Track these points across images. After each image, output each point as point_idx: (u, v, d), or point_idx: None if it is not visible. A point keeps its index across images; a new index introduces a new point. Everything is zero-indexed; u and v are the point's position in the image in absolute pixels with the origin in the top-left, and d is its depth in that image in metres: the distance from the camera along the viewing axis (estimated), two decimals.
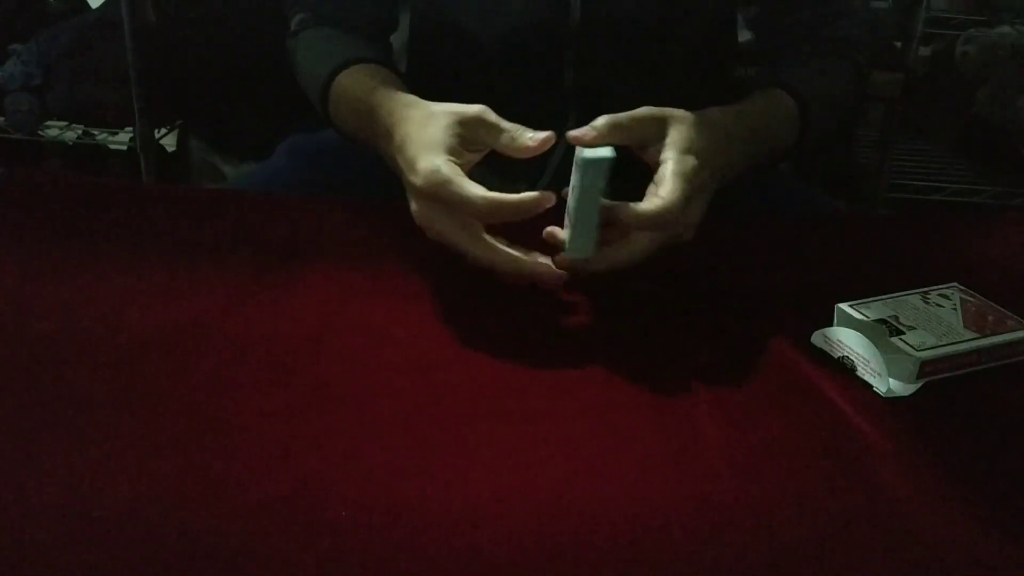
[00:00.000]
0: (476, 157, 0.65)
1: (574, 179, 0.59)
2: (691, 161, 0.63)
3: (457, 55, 0.92)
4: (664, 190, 0.61)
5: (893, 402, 0.56)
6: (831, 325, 0.62)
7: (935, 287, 0.66)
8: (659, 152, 0.63)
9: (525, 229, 0.62)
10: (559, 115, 0.90)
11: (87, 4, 2.18)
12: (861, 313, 0.61)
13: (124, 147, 2.08)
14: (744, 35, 1.00)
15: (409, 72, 0.98)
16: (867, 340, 0.59)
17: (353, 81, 0.80)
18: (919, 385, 0.57)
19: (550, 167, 0.89)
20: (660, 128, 0.64)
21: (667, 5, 0.86)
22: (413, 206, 0.64)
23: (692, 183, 0.62)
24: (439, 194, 0.61)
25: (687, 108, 0.66)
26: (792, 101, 0.80)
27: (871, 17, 0.95)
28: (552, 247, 0.64)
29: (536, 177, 0.90)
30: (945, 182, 1.96)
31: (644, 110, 0.65)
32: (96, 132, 2.07)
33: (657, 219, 0.60)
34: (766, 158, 0.79)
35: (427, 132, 0.64)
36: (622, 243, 0.64)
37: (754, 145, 0.74)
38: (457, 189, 0.60)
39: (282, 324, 0.62)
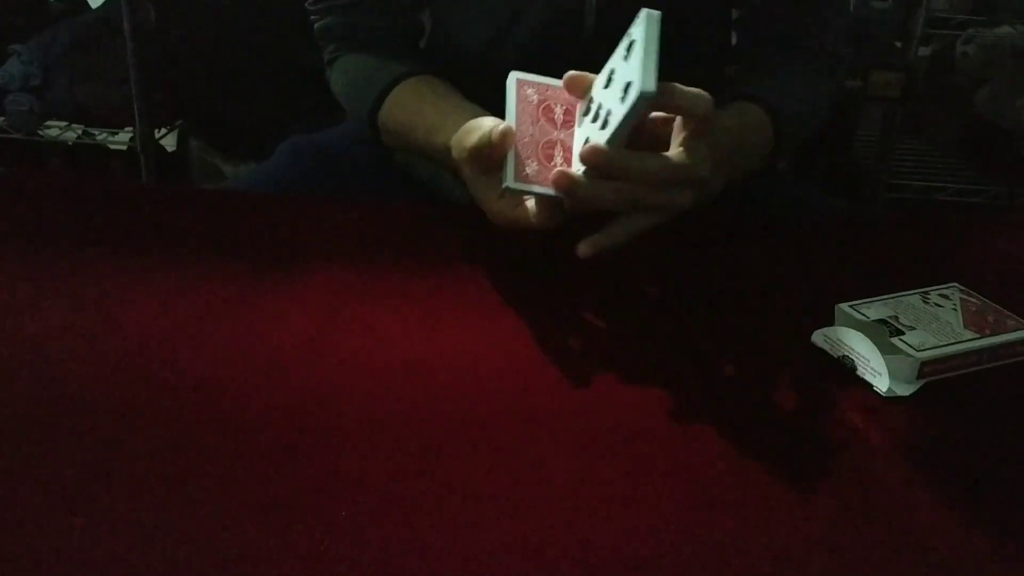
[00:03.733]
0: None
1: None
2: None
3: (468, 74, 0.92)
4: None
5: (893, 402, 0.57)
6: (831, 325, 0.62)
7: (935, 287, 0.66)
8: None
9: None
10: None
11: (87, 4, 2.18)
12: (861, 313, 0.61)
13: (124, 147, 2.08)
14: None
15: None
16: (867, 340, 0.59)
17: (397, 107, 0.81)
18: (919, 385, 0.57)
19: None
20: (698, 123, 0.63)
21: (672, 12, 0.86)
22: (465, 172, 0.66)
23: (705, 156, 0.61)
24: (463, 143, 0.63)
25: None
26: (766, 117, 0.79)
27: (851, 30, 0.95)
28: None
29: None
30: (945, 182, 1.96)
31: (703, 95, 0.63)
32: (96, 132, 2.07)
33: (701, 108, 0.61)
34: (740, 175, 0.77)
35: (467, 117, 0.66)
36: (617, 220, 0.62)
37: (732, 161, 0.73)
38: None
39: (282, 324, 0.62)
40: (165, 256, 0.70)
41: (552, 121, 0.63)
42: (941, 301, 0.64)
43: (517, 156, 0.60)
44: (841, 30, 0.90)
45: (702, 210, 0.67)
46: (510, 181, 0.60)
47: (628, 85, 0.57)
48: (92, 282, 0.66)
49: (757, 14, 0.91)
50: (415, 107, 0.80)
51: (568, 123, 0.63)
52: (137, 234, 0.74)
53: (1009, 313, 0.63)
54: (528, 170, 0.60)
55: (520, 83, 0.63)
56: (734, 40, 0.98)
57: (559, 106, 0.63)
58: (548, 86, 0.64)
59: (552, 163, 0.61)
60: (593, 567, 0.43)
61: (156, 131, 2.04)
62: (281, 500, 0.46)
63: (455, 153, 0.66)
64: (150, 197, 0.84)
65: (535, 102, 0.63)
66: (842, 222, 0.91)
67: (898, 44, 1.91)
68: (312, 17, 0.92)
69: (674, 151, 0.61)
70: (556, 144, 0.62)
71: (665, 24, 0.87)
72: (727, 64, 1.02)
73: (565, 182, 0.59)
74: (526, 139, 0.61)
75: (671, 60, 0.90)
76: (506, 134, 0.60)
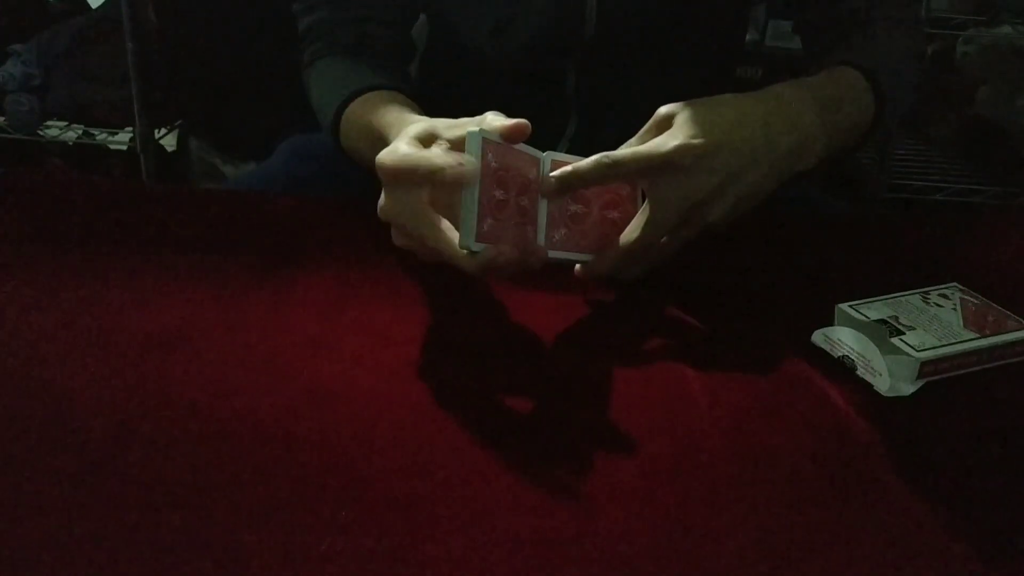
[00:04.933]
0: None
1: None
2: (676, 132, 0.61)
3: (467, 70, 0.92)
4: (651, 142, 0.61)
5: (893, 402, 0.56)
6: (831, 325, 0.62)
7: (935, 287, 0.66)
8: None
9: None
10: (560, 119, 0.90)
11: (87, 4, 2.18)
12: (861, 313, 0.61)
13: (124, 147, 2.08)
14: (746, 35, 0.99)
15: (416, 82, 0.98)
16: (867, 340, 0.59)
17: (365, 108, 0.77)
18: (919, 385, 0.57)
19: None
20: (670, 124, 0.63)
21: (682, 13, 0.86)
22: (380, 200, 0.60)
23: (662, 146, 0.60)
24: (397, 166, 0.57)
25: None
26: (858, 74, 0.74)
27: None
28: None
29: None
30: (945, 182, 1.96)
31: (654, 116, 0.64)
32: (96, 132, 2.07)
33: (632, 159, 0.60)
34: (847, 135, 0.73)
35: (407, 128, 0.62)
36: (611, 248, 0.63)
37: (827, 116, 0.68)
38: (410, 155, 0.56)
39: (282, 324, 0.62)
40: (165, 256, 0.70)
41: (504, 185, 0.57)
42: (941, 301, 0.64)
43: (475, 214, 0.54)
44: None
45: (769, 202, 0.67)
46: (470, 242, 0.54)
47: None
48: (92, 282, 0.66)
49: (816, 5, 0.87)
50: (367, 119, 0.74)
51: (521, 189, 0.59)
52: (137, 234, 0.74)
53: (1009, 313, 0.63)
54: (486, 227, 0.55)
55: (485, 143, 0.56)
56: (800, 44, 0.95)
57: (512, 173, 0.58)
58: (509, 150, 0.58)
59: (505, 216, 0.57)
60: (591, 565, 0.43)
61: (156, 131, 2.04)
62: (281, 500, 0.46)
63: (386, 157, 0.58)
64: (150, 197, 0.84)
65: (493, 166, 0.56)
66: (842, 222, 0.91)
67: None
68: (298, 18, 0.89)
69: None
70: (508, 203, 0.58)
71: (678, 25, 0.87)
72: (739, 65, 1.01)
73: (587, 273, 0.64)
74: (485, 195, 0.56)
75: (683, 61, 0.90)
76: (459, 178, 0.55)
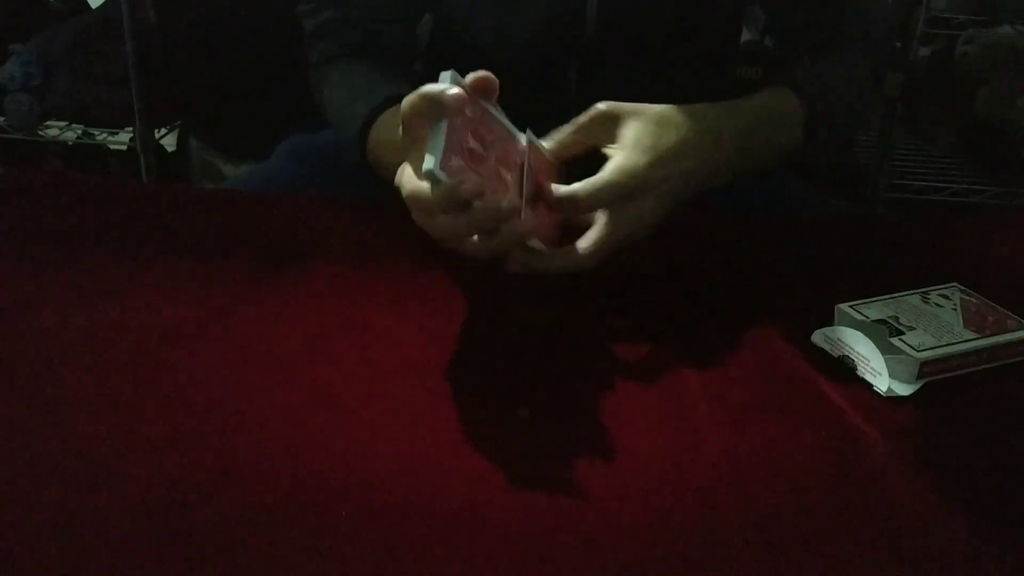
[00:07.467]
0: None
1: None
2: (637, 157, 0.62)
3: (469, 69, 0.92)
4: (590, 181, 0.61)
5: (893, 402, 0.57)
6: (831, 325, 0.62)
7: (935, 287, 0.66)
8: (611, 151, 0.63)
9: None
10: (561, 118, 0.90)
11: (87, 4, 2.18)
12: (861, 313, 0.61)
13: (124, 147, 2.08)
14: (744, 35, 0.99)
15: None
16: (867, 340, 0.59)
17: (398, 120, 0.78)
18: (919, 385, 0.57)
19: None
20: (612, 127, 0.64)
21: (680, 12, 0.86)
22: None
23: (633, 178, 0.61)
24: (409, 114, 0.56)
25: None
26: (796, 99, 0.76)
27: (888, 12, 0.92)
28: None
29: None
30: (945, 182, 1.96)
31: (591, 111, 0.64)
32: (96, 132, 2.07)
33: (566, 200, 0.60)
34: (766, 159, 0.76)
35: None
36: (570, 247, 0.62)
37: (748, 142, 0.71)
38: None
39: (282, 324, 0.62)
40: (165, 256, 0.70)
41: (479, 138, 0.57)
42: (941, 301, 0.64)
43: (445, 145, 0.52)
44: (876, 13, 0.88)
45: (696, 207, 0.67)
46: (433, 167, 0.51)
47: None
48: (91, 281, 0.66)
49: (787, 10, 0.89)
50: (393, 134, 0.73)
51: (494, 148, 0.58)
52: (137, 234, 0.74)
53: (1009, 313, 0.63)
54: (453, 163, 0.53)
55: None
56: (746, 36, 0.97)
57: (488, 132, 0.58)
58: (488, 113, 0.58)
59: (482, 171, 0.55)
60: (592, 566, 0.43)
61: (156, 131, 2.04)
62: (281, 500, 0.46)
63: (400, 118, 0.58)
64: (150, 197, 0.84)
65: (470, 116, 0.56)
66: (842, 222, 0.91)
67: (898, 44, 1.91)
68: (305, 19, 0.89)
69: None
70: (485, 159, 0.56)
71: (677, 25, 0.87)
72: (738, 66, 1.02)
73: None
74: (456, 136, 0.54)
75: (683, 61, 0.90)
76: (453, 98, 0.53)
